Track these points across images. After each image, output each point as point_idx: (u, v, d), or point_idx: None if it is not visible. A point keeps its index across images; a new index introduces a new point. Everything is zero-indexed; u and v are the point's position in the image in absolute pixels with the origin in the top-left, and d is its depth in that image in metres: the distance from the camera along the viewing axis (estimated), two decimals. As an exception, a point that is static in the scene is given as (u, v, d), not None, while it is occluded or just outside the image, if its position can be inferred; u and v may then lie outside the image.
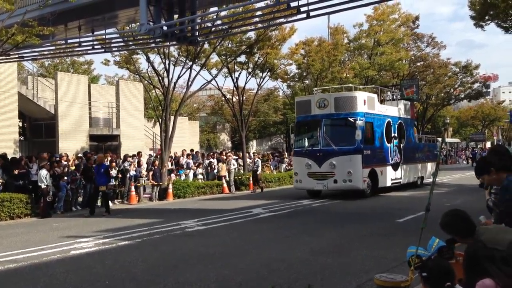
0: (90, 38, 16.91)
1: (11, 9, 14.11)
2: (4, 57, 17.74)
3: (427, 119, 48.67)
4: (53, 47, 18.94)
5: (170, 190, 19.54)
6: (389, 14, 34.71)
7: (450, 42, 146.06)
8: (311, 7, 13.28)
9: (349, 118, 17.53)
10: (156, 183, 19.32)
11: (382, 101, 21.41)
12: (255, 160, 23.48)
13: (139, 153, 21.08)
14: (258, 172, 22.85)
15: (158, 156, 21.93)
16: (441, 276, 3.34)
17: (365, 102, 18.19)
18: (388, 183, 19.36)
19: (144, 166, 20.47)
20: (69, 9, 14.38)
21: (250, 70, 27.13)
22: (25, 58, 20.94)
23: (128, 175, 18.52)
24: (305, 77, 33.31)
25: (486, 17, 21.55)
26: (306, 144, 18.83)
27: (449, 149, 56.25)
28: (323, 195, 18.74)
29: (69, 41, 17.08)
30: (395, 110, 21.14)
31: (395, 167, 19.90)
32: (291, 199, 17.80)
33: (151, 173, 19.32)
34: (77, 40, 16.83)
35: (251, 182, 22.73)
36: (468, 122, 66.10)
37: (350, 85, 23.26)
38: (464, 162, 48.71)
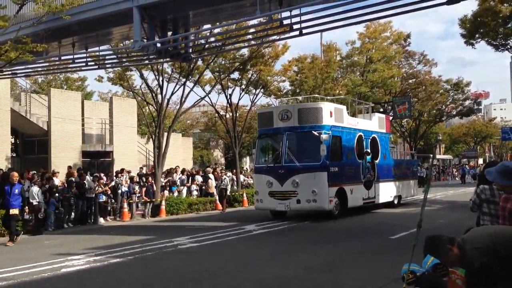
0: (84, 55, 16.97)
1: (4, 26, 14.15)
2: (-3, 74, 17.73)
3: (420, 135, 48.95)
4: (47, 64, 18.96)
5: (163, 207, 19.43)
6: (381, 32, 35.08)
7: (441, 59, 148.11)
8: (303, 24, 13.46)
9: (314, 132, 16.01)
10: (149, 200, 19.23)
11: (353, 114, 20.17)
12: (222, 178, 21.70)
13: (122, 170, 20.80)
14: (228, 191, 21.42)
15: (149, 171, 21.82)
16: None
17: (332, 114, 16.73)
18: (360, 203, 17.90)
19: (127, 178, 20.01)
20: (62, 26, 14.45)
21: (243, 86, 27.27)
22: (18, 75, 20.95)
23: (119, 191, 18.42)
24: (298, 93, 33.50)
25: (477, 35, 21.87)
26: (268, 160, 17.49)
27: (442, 166, 56.47)
28: (294, 215, 17.26)
29: (62, 57, 17.12)
30: (367, 123, 19.62)
31: (367, 185, 18.36)
32: (283, 217, 17.32)
33: (144, 189, 19.23)
34: (71, 56, 16.87)
35: (230, 201, 21.46)
36: (460, 139, 66.46)
37: (316, 95, 22.47)
38: (457, 178, 48.84)
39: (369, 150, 18.68)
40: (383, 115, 21.80)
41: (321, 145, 15.49)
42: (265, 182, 16.55)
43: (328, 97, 22.43)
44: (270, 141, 17.74)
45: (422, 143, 55.25)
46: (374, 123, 20.14)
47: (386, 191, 19.90)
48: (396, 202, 20.76)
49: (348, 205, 16.97)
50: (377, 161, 19.27)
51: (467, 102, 48.09)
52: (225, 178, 21.55)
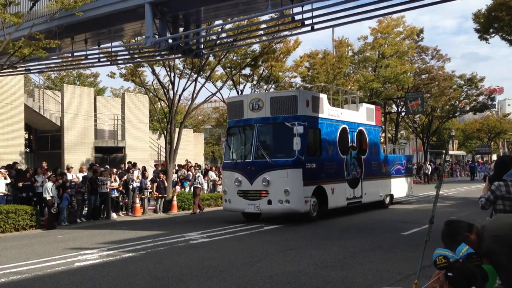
0: (96, 51, 17.07)
1: (18, 23, 14.29)
2: (11, 70, 17.91)
3: (432, 131, 48.58)
4: (60, 60, 19.11)
5: (175, 202, 19.54)
6: (393, 27, 34.89)
7: (455, 54, 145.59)
8: (315, 20, 13.40)
9: (287, 123, 14.18)
10: (160, 195, 19.34)
11: (338, 105, 18.59)
12: (196, 176, 20.00)
13: (134, 164, 20.85)
14: (198, 188, 19.24)
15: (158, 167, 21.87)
16: (467, 279, 3.35)
17: (309, 104, 14.82)
18: (343, 203, 16.16)
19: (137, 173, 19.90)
20: (75, 23, 14.55)
21: (255, 82, 27.27)
22: (32, 71, 21.12)
23: (131, 187, 18.55)
24: (309, 89, 33.42)
25: (491, 30, 21.67)
26: (237, 155, 15.65)
27: (454, 162, 56.02)
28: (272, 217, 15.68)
29: (75, 54, 17.23)
30: (353, 114, 17.66)
31: (353, 183, 16.63)
32: (257, 219, 15.89)
33: (155, 185, 19.35)
34: (84, 53, 16.99)
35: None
36: (474, 134, 65.88)
37: (295, 82, 21.15)
38: (463, 175, 48.15)
39: (354, 144, 17.08)
40: (372, 106, 19.56)
41: (294, 138, 13.65)
42: (233, 180, 14.82)
43: (306, 85, 21.32)
44: (239, 134, 15.87)
45: (434, 139, 54.84)
46: (361, 115, 18.17)
47: (375, 189, 18.15)
48: (387, 201, 19.16)
49: (328, 205, 15.35)
50: (364, 156, 17.57)
51: (480, 98, 47.69)
52: (199, 176, 19.92)
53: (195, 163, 22.73)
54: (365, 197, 17.33)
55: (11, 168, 17.27)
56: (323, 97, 16.24)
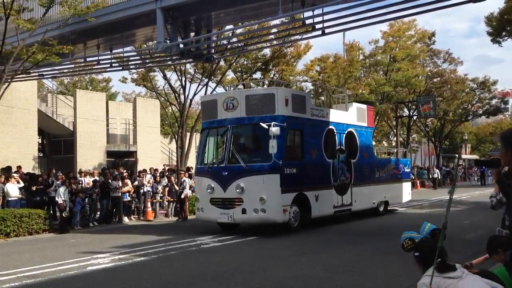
0: (108, 56, 17.24)
1: (31, 29, 14.49)
2: (24, 75, 18.14)
3: (445, 135, 48.20)
4: (72, 65, 19.33)
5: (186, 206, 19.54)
6: (405, 31, 34.76)
7: (467, 57, 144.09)
8: (326, 24, 13.44)
9: (262, 124, 12.72)
10: (172, 199, 19.39)
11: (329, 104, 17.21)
12: (182, 180, 18.60)
13: (145, 170, 20.98)
14: (183, 195, 18.15)
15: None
16: (432, 254, 3.52)
17: (288, 102, 13.37)
18: (329, 211, 14.81)
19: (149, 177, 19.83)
20: (88, 28, 14.74)
21: (265, 86, 27.30)
22: (45, 76, 21.38)
23: (141, 191, 18.62)
24: (320, 93, 33.39)
25: (503, 33, 21.49)
26: (210, 159, 14.34)
27: (468, 166, 55.53)
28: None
29: (88, 59, 17.42)
30: (342, 115, 16.14)
31: (341, 189, 15.24)
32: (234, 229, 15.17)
33: (167, 189, 19.41)
34: (96, 58, 17.17)
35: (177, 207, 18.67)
36: (487, 138, 65.26)
37: (273, 79, 20.02)
38: (475, 179, 47.53)
39: (343, 147, 15.74)
40: (364, 106, 17.96)
41: (270, 141, 12.35)
42: (206, 187, 13.55)
43: (284, 81, 19.49)
44: (213, 136, 14.50)
45: (447, 143, 54.40)
46: (351, 115, 16.65)
47: (368, 196, 16.69)
48: (381, 209, 17.73)
49: (312, 214, 14.00)
50: (354, 160, 16.18)
51: (493, 101, 47.22)
52: (184, 181, 18.52)
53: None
54: (355, 204, 15.97)
55: (9, 170, 17.31)
56: (305, 95, 15.23)
